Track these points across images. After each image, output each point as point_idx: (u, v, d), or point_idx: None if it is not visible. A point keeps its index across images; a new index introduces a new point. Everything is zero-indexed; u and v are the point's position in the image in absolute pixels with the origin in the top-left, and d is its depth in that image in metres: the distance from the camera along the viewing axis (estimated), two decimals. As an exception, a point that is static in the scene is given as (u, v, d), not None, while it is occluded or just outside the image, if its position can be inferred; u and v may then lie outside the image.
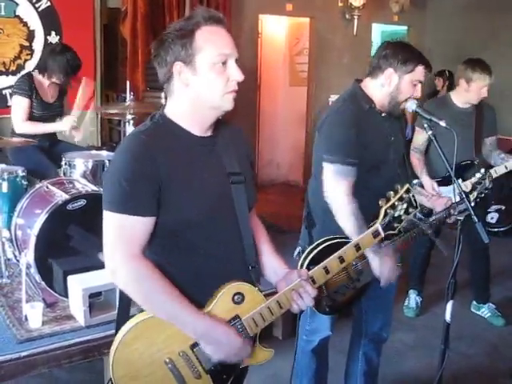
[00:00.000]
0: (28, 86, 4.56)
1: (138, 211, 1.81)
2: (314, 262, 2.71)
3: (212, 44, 1.86)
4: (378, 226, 2.13)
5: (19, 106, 4.55)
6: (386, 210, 2.13)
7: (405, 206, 2.13)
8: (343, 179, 2.71)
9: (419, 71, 2.78)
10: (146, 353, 1.88)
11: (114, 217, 1.81)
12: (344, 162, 2.71)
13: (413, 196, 2.15)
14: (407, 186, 2.15)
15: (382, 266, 2.72)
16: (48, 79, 4.63)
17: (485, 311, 4.82)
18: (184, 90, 1.91)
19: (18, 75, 5.46)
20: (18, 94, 4.58)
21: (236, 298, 1.94)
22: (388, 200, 2.13)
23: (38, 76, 4.67)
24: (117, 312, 2.04)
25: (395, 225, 2.16)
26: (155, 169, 1.81)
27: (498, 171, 4.17)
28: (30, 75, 4.70)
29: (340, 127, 2.79)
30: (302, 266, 2.73)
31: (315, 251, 2.75)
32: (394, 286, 3.22)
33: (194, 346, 1.92)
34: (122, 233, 1.81)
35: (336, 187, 2.73)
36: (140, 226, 1.82)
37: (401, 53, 2.79)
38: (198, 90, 1.90)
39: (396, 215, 2.13)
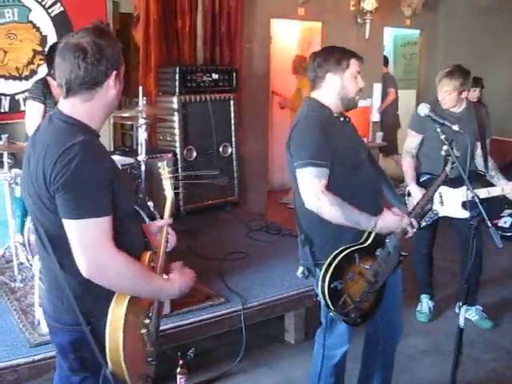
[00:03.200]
0: (41, 91, 4.55)
1: (110, 211, 1.97)
2: (336, 275, 2.72)
3: None
4: None
5: (33, 111, 4.55)
6: None
7: None
8: (317, 179, 2.72)
9: (354, 64, 2.91)
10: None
11: (96, 221, 1.92)
12: (315, 164, 2.72)
13: None
14: None
15: (386, 222, 2.78)
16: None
17: (472, 314, 4.76)
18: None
19: (31, 80, 5.49)
20: (31, 99, 4.58)
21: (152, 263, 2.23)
22: None
23: (52, 80, 4.67)
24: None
25: None
26: (110, 170, 2.04)
27: (491, 192, 4.14)
28: (44, 80, 4.70)
29: (307, 132, 2.83)
30: (323, 279, 2.71)
31: (335, 262, 2.73)
32: (398, 287, 3.21)
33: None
34: (104, 233, 1.93)
35: (310, 188, 2.73)
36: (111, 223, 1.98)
37: (331, 56, 2.90)
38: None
39: None
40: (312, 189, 2.72)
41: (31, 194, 2.02)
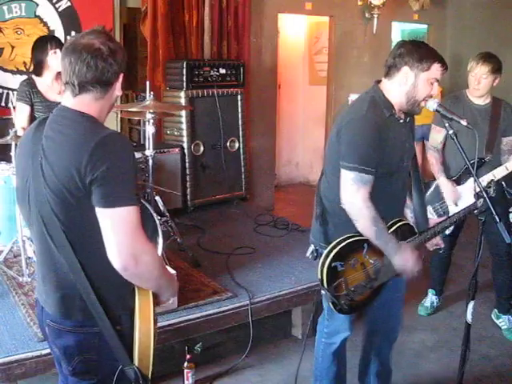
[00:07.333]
0: (26, 93, 4.51)
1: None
2: (341, 256, 2.73)
3: None
4: None
5: (19, 112, 4.54)
6: None
7: None
8: (362, 186, 2.70)
9: (435, 69, 2.76)
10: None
11: (133, 209, 1.94)
12: (363, 171, 2.69)
13: None
14: None
15: (404, 257, 2.75)
16: (43, 76, 4.50)
17: (502, 322, 4.64)
18: None
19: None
20: (17, 100, 4.57)
21: None
22: None
23: (38, 77, 4.57)
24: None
25: None
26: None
27: (496, 175, 4.13)
28: (29, 80, 4.60)
29: (362, 136, 2.75)
30: (328, 254, 2.73)
31: (344, 243, 2.75)
32: (403, 284, 3.20)
33: None
34: (138, 221, 1.97)
35: (354, 194, 2.71)
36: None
37: (416, 51, 2.77)
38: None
39: None
40: (356, 196, 2.71)
41: (51, 187, 1.96)
